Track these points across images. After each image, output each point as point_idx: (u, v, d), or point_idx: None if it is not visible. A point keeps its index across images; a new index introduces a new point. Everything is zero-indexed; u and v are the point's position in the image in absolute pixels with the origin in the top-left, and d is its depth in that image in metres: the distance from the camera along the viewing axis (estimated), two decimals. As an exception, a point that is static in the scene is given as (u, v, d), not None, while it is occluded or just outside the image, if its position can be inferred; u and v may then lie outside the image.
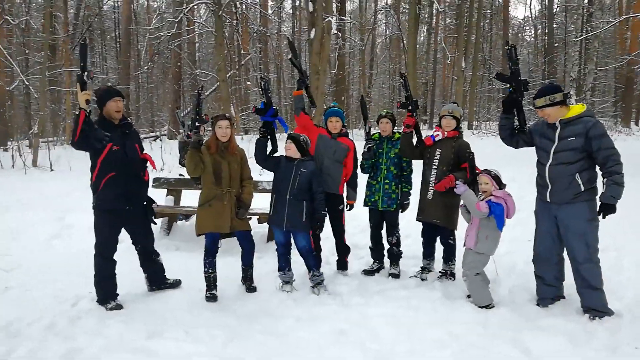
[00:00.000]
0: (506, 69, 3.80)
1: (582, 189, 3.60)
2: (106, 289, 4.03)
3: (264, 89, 4.39)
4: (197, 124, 4.04)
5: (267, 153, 4.35)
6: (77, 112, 3.62)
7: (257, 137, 4.34)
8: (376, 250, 4.97)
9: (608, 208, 3.54)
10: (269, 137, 4.33)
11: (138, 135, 4.27)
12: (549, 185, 3.73)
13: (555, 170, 3.68)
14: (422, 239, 4.78)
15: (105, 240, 4.01)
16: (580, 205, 3.65)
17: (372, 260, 5.01)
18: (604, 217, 3.61)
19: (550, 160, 3.70)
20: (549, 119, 3.70)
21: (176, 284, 4.47)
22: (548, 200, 3.76)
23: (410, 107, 4.51)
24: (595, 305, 3.68)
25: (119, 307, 3.97)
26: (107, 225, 4.00)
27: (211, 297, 4.18)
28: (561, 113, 3.64)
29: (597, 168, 3.69)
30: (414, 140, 4.64)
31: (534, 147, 3.92)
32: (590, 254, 3.67)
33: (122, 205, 3.96)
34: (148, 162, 4.16)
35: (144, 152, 4.18)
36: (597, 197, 3.67)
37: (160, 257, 4.44)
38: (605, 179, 3.57)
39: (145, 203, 4.21)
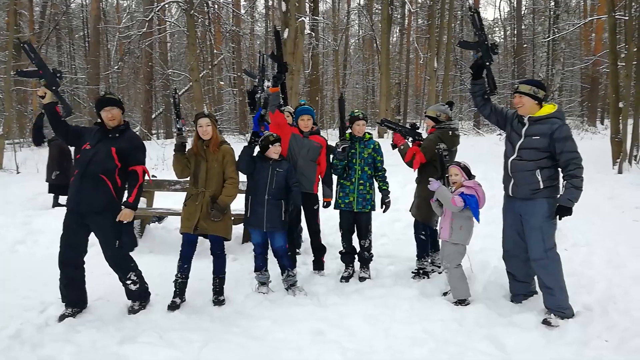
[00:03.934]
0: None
1: (541, 186, 3.65)
2: (63, 295, 3.84)
3: (261, 69, 4.32)
4: (178, 125, 4.02)
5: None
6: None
7: (246, 145, 4.17)
8: (348, 254, 4.81)
9: (564, 210, 3.59)
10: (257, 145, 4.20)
11: (130, 140, 3.83)
12: (511, 179, 3.81)
13: (516, 165, 3.75)
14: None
15: (61, 240, 3.77)
16: (539, 202, 3.69)
17: (344, 265, 4.84)
18: (559, 219, 3.67)
19: (514, 155, 3.77)
20: (521, 109, 3.73)
21: (131, 311, 3.92)
22: (511, 194, 3.84)
23: (414, 138, 4.73)
24: (550, 305, 3.69)
25: (62, 317, 3.73)
26: (65, 225, 3.79)
27: (172, 305, 3.97)
28: (533, 110, 3.72)
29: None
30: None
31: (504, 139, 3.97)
32: (544, 251, 3.68)
33: (72, 206, 3.74)
34: (140, 173, 3.79)
35: (136, 164, 3.77)
36: (558, 197, 3.71)
37: (131, 285, 3.87)
38: (565, 182, 3.62)
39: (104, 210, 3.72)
